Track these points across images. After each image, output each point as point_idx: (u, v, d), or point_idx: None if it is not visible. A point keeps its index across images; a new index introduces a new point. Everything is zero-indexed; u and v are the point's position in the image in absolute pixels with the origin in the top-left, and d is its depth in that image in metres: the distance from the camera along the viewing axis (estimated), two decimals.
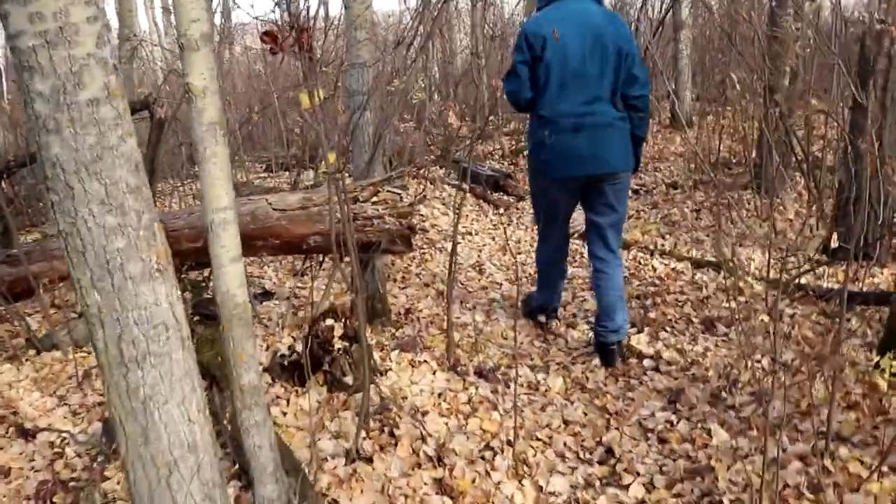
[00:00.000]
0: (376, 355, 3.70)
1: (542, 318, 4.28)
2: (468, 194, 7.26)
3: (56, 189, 1.57)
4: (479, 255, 5.76)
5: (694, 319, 4.19)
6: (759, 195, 6.07)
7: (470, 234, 6.31)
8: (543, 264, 4.21)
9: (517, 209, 6.99)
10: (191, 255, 3.71)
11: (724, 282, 4.60)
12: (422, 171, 8.02)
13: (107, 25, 1.58)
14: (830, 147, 6.03)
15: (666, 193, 7.06)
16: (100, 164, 1.55)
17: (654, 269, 4.98)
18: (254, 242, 3.61)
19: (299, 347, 3.48)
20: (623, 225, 4.03)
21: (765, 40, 5.72)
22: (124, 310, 1.64)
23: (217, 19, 12.21)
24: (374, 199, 3.59)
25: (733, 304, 3.96)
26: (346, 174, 3.87)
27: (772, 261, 4.66)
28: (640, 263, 5.14)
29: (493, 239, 6.18)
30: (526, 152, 4.49)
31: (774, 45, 5.76)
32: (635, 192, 7.31)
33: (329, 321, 3.43)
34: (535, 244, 4.30)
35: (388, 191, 3.63)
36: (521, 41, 3.68)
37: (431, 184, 7.68)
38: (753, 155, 7.23)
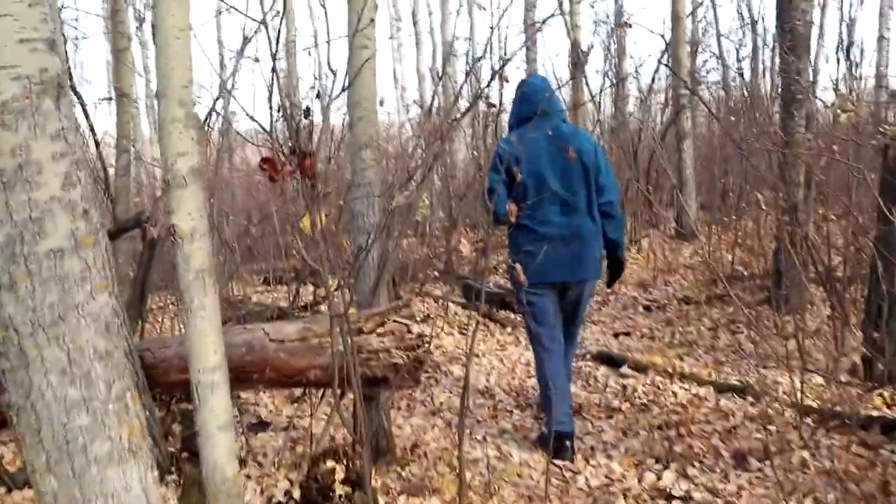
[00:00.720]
0: (381, 501, 3.43)
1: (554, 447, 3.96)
2: (472, 312, 7.07)
3: (8, 355, 1.34)
4: (487, 379, 5.53)
5: (724, 452, 3.92)
6: (778, 311, 5.88)
7: (477, 355, 6.08)
8: (540, 363, 4.27)
9: (525, 328, 6.79)
10: (181, 386, 3.48)
11: (751, 409, 4.37)
12: (425, 289, 7.86)
13: (78, 162, 1.37)
14: (849, 259, 5.88)
15: (679, 309, 6.88)
16: (62, 326, 1.34)
17: (675, 396, 4.74)
18: (249, 375, 3.40)
19: (297, 494, 3.22)
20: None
21: (777, 150, 5.65)
22: (86, 500, 1.39)
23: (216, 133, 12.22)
24: (380, 330, 3.39)
25: (765, 435, 3.72)
26: (350, 301, 3.68)
27: (803, 385, 4.46)
28: (658, 388, 4.90)
29: (501, 361, 5.95)
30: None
31: (786, 154, 5.69)
32: (647, 308, 7.14)
33: (330, 463, 3.18)
34: (530, 339, 4.44)
35: (394, 321, 3.44)
36: (496, 161, 4.04)
37: (436, 302, 7.50)
38: (764, 264, 7.11)
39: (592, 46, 10.58)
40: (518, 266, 3.62)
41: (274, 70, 2.79)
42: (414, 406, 4.98)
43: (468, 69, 8.24)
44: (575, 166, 4.01)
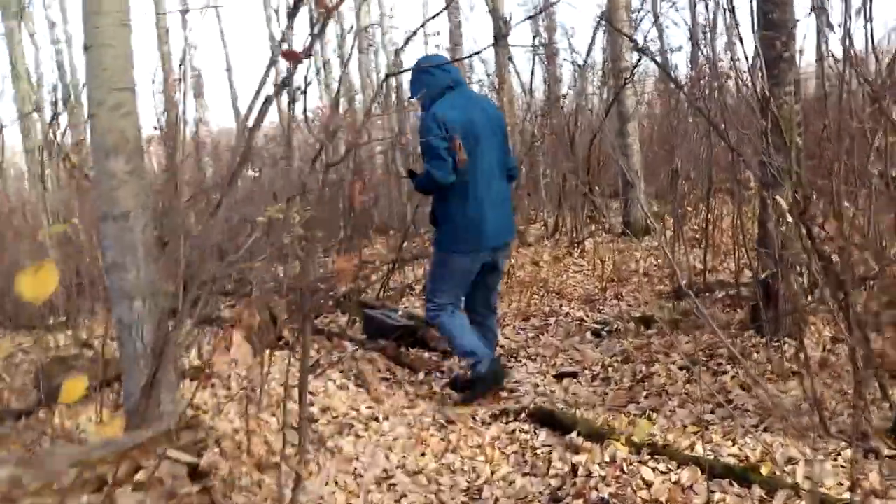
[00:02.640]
0: None
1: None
2: (374, 354, 5.69)
3: None
4: (387, 458, 4.16)
5: None
6: (768, 336, 4.64)
7: (375, 419, 4.70)
8: (459, 326, 4.80)
9: (444, 372, 5.41)
10: None
11: None
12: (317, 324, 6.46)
13: None
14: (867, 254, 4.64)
15: (638, 335, 5.60)
16: None
17: (648, 485, 3.41)
18: None
19: None
20: None
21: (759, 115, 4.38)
22: None
23: None
24: (139, 477, 1.98)
25: None
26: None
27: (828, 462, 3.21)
28: (622, 472, 3.56)
29: (410, 426, 4.58)
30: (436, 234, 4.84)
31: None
32: (596, 334, 5.84)
33: None
34: (438, 317, 4.82)
35: (166, 455, 2.03)
36: (438, 126, 4.31)
37: (330, 340, 6.09)
38: (736, 267, 5.89)
39: (511, 16, 9.27)
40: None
41: None
42: None
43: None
44: (497, 131, 4.61)
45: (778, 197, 2.79)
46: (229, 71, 22.32)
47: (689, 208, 9.04)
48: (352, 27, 14.10)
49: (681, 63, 28.72)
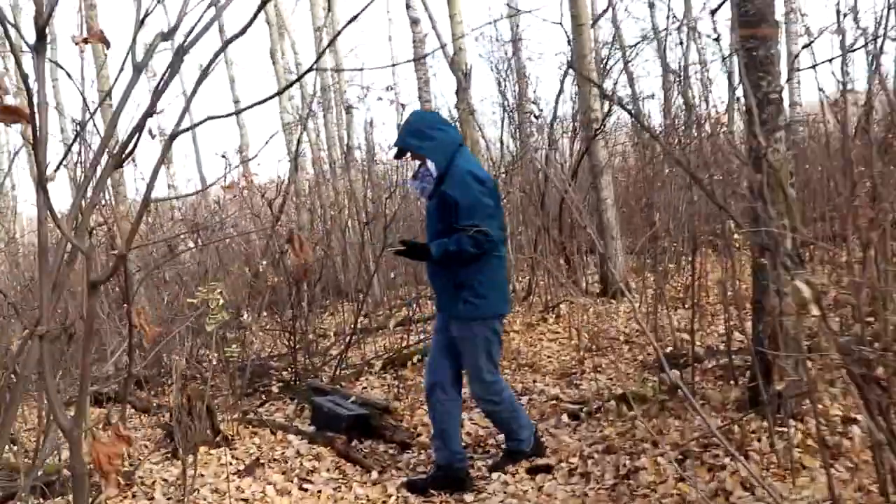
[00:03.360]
0: None
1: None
2: (323, 450, 5.05)
3: None
4: None
5: None
6: (770, 420, 4.04)
7: None
8: (510, 400, 4.53)
9: (401, 469, 4.77)
10: None
11: None
12: (260, 414, 5.83)
13: None
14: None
15: (620, 417, 4.99)
16: None
17: None
18: None
19: None
20: None
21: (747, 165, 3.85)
22: None
23: None
24: None
25: None
26: None
27: None
28: None
29: None
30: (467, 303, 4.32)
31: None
32: (573, 416, 5.23)
33: None
34: (502, 391, 4.48)
35: None
36: (484, 185, 4.17)
37: (273, 434, 5.44)
38: (727, 331, 5.32)
39: (471, 68, 8.79)
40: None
41: None
42: None
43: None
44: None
45: (800, 283, 2.20)
46: (194, 133, 21.84)
47: (671, 265, 8.51)
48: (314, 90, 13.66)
49: (654, 111, 28.49)
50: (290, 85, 2.78)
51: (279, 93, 2.06)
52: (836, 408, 4.26)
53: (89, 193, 1.89)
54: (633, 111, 5.93)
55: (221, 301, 4.42)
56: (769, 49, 3.84)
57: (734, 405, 4.54)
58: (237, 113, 2.11)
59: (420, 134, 4.27)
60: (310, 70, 2.07)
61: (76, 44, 4.64)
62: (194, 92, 1.97)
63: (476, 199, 4.10)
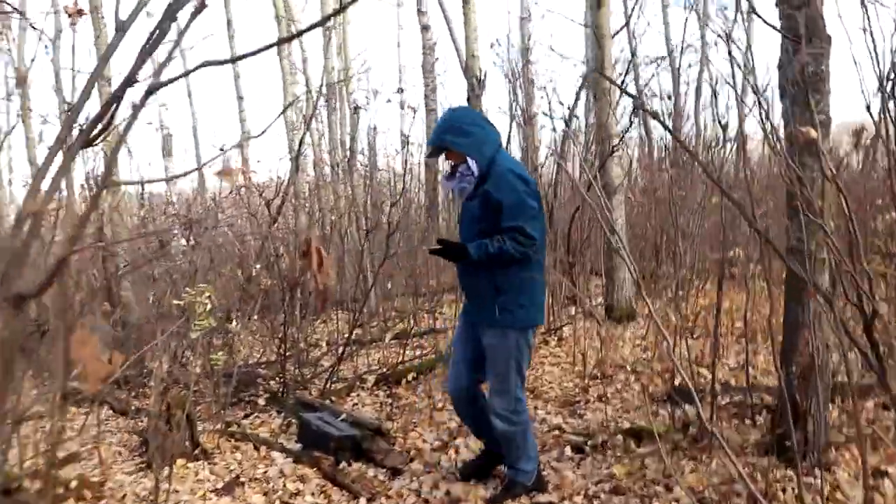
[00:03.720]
0: None
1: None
2: (308, 471, 4.72)
3: None
4: None
5: None
6: (797, 463, 3.72)
7: None
8: (527, 424, 4.25)
9: (392, 498, 4.43)
10: None
11: None
12: (243, 428, 5.50)
13: None
14: None
15: (627, 453, 4.69)
16: None
17: None
18: None
19: None
20: None
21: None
22: None
23: None
24: None
25: None
26: None
27: None
28: None
29: None
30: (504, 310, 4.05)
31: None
32: (577, 449, 4.91)
33: None
34: (524, 414, 4.21)
35: None
36: (528, 185, 3.94)
37: (257, 449, 5.12)
38: (746, 363, 5.01)
39: (486, 74, 8.50)
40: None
41: None
42: None
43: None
44: None
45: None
46: (195, 128, 21.57)
47: (680, 291, 8.20)
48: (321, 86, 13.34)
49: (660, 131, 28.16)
50: (295, 37, 2.50)
51: (281, 42, 1.76)
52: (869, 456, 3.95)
53: (49, 177, 1.57)
54: (669, 126, 5.63)
55: (209, 306, 4.11)
56: (820, 65, 3.54)
57: (753, 448, 4.23)
58: (235, 60, 1.82)
59: (460, 131, 4.02)
60: (318, 25, 1.77)
61: (69, 15, 4.35)
62: (184, 32, 1.66)
63: (521, 199, 3.88)
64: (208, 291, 4.13)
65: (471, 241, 3.99)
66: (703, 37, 17.76)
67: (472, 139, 4.00)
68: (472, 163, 4.00)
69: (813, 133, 2.75)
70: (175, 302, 4.55)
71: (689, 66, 18.57)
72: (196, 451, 4.95)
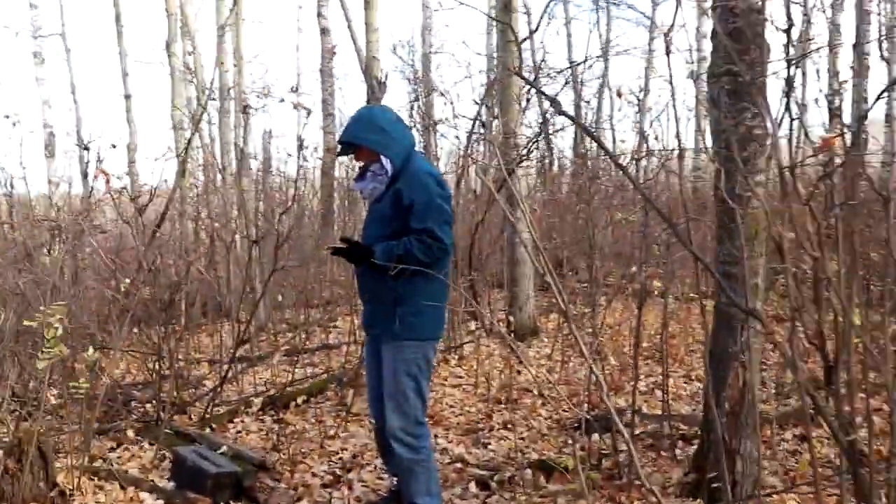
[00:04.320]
0: None
1: None
2: None
3: None
4: None
5: None
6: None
7: None
8: (430, 455, 3.90)
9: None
10: None
11: None
12: (109, 463, 4.90)
13: None
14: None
15: (537, 488, 4.32)
16: None
17: None
18: None
19: None
20: None
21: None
22: None
23: None
24: None
25: None
26: None
27: None
28: None
29: None
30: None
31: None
32: (483, 486, 4.51)
33: None
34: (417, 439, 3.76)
35: None
36: (444, 189, 3.76)
37: (123, 489, 4.53)
38: (662, 392, 4.73)
39: (387, 75, 8.09)
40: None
41: None
42: None
43: None
44: None
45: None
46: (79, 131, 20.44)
47: (586, 309, 7.93)
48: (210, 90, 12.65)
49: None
50: None
51: None
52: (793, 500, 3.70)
53: None
54: (595, 136, 5.32)
55: (60, 330, 3.54)
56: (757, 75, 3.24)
57: (676, 488, 3.91)
58: None
59: (376, 128, 3.78)
60: None
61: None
62: None
63: (434, 201, 3.65)
64: (59, 313, 3.56)
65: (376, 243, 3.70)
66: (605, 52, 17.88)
67: (387, 137, 3.76)
68: (385, 161, 3.73)
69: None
70: (27, 323, 3.96)
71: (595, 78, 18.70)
72: (52, 493, 4.34)
